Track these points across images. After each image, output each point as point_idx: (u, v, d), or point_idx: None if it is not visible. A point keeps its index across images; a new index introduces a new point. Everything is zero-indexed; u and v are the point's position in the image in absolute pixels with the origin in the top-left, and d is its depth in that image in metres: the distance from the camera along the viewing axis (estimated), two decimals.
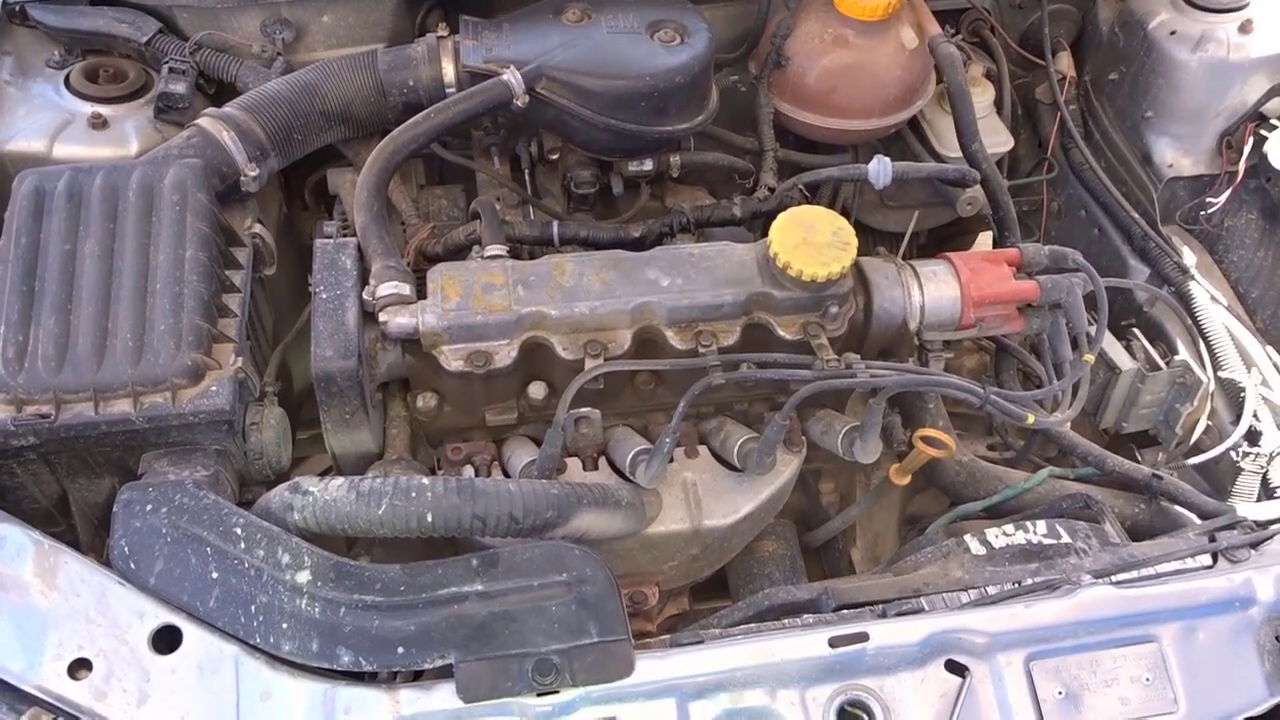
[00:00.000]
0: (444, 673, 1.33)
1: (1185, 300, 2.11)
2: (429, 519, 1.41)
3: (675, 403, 1.58)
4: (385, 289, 1.65)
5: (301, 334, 1.83)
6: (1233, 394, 2.00)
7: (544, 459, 1.60)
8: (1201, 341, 2.07)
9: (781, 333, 1.70)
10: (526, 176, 2.10)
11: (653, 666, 1.35)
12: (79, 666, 1.29)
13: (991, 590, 1.52)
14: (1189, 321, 2.10)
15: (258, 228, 1.81)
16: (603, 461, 1.70)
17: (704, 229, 2.02)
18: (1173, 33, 2.21)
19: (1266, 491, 1.91)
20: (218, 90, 2.05)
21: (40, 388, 1.47)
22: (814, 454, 1.78)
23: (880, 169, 1.95)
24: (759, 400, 1.82)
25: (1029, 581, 1.54)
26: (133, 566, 1.37)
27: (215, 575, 1.35)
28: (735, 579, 1.99)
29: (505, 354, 1.64)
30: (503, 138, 2.07)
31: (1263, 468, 1.92)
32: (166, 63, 1.98)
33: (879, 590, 1.58)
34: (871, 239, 2.40)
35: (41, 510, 1.60)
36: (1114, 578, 1.53)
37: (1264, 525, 1.66)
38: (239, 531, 1.39)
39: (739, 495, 1.68)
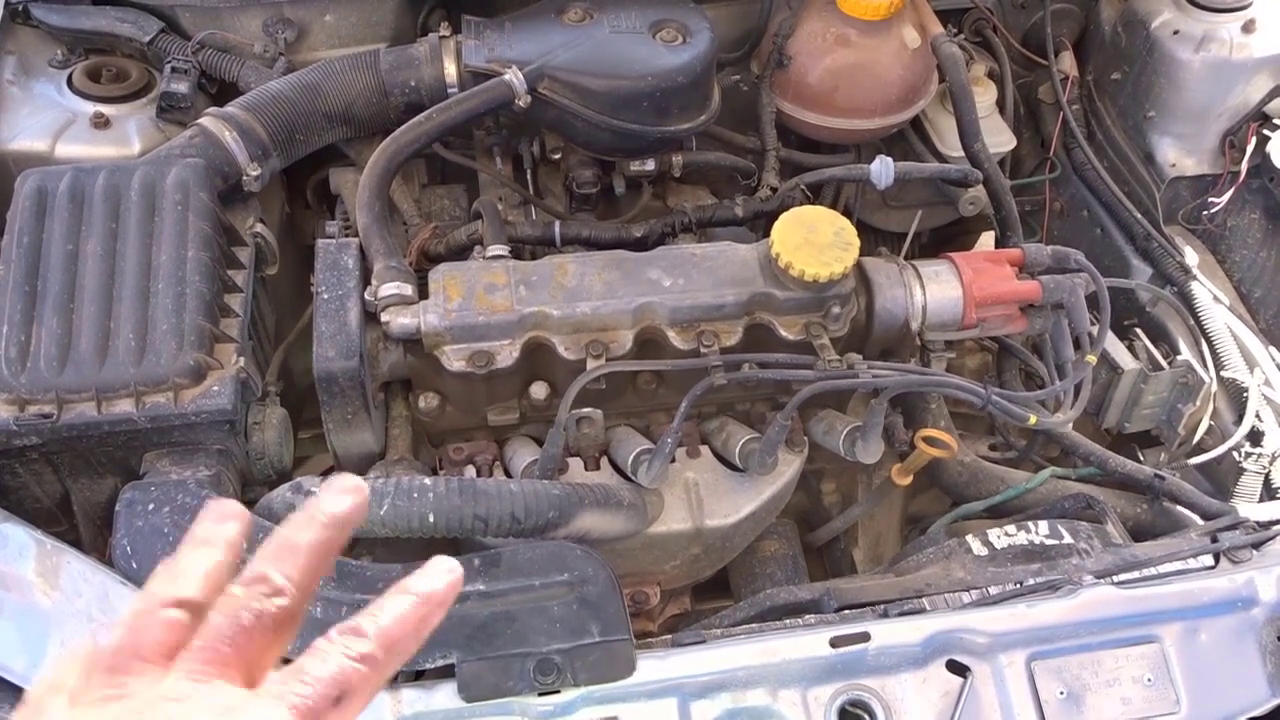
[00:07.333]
0: (445, 672, 1.33)
1: (1188, 300, 2.11)
2: (431, 519, 1.41)
3: (677, 403, 1.58)
4: (387, 289, 1.64)
5: (303, 334, 1.83)
6: (1235, 394, 2.00)
7: (546, 459, 1.59)
8: (1204, 341, 2.06)
9: (783, 333, 1.70)
10: (528, 176, 2.09)
11: (654, 666, 1.35)
12: None
13: (993, 590, 1.52)
14: (1191, 321, 2.09)
15: (260, 227, 1.81)
16: (604, 462, 1.70)
17: (706, 229, 2.02)
18: (1175, 32, 2.21)
19: (1269, 492, 1.91)
20: (220, 90, 2.05)
21: (43, 387, 1.47)
22: (816, 454, 1.77)
23: (883, 169, 1.94)
24: (761, 400, 1.81)
25: (1031, 582, 1.53)
26: (135, 566, 1.37)
27: None
28: (737, 579, 1.99)
29: (507, 354, 1.64)
30: (505, 137, 2.07)
31: (1265, 468, 1.91)
32: (169, 62, 1.98)
33: (881, 590, 1.58)
34: (873, 239, 2.39)
35: (44, 510, 1.60)
36: (1116, 578, 1.53)
37: (1266, 526, 1.66)
38: None
39: (741, 495, 1.68)
